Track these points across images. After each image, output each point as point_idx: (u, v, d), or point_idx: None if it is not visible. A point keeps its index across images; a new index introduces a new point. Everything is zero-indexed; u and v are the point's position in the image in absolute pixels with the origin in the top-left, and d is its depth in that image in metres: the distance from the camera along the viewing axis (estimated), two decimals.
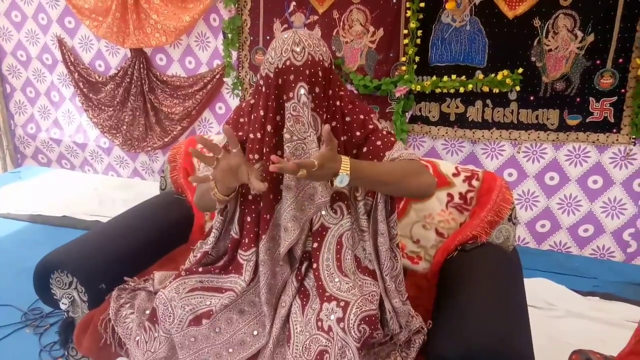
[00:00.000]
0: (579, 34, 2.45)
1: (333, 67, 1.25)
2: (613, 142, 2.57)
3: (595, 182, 2.67)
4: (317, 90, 1.20)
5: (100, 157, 3.80)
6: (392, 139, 1.28)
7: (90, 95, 3.54)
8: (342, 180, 1.07)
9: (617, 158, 2.59)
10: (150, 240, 1.54)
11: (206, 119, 3.39)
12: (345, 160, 1.07)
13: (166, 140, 3.43)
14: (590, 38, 2.44)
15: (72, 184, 3.64)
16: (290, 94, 1.18)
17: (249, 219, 1.27)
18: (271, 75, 1.19)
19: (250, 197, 1.27)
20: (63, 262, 1.34)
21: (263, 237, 1.24)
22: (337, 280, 1.21)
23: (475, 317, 1.09)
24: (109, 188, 3.52)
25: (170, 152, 1.76)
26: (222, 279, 1.28)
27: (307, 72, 1.17)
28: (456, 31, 2.63)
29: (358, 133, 1.27)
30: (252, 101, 1.31)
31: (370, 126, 1.28)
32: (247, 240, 1.27)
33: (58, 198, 3.36)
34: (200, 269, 1.29)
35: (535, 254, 2.78)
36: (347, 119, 1.28)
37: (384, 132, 1.28)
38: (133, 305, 1.33)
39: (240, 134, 1.31)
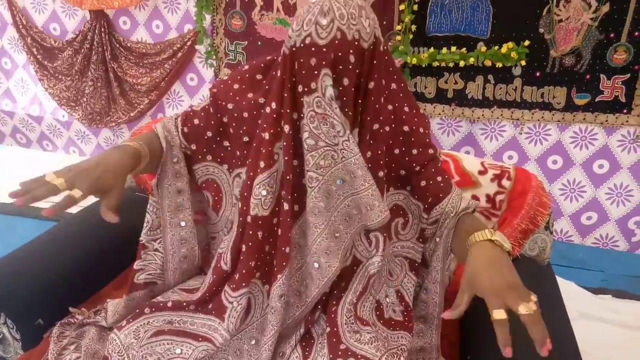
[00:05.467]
0: (593, 3, 2.21)
1: (382, 48, 0.93)
2: (622, 124, 2.36)
3: (601, 166, 2.47)
4: (345, 82, 0.88)
5: (59, 132, 3.45)
6: (446, 175, 1.04)
7: (45, 62, 3.16)
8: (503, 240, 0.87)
9: (625, 141, 2.39)
10: (103, 254, 1.22)
11: (176, 92, 3.07)
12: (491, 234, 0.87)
13: (132, 114, 3.09)
14: (605, 8, 2.20)
15: (25, 164, 3.29)
16: (313, 85, 0.87)
17: (244, 247, 0.97)
18: (287, 54, 0.89)
19: (249, 218, 0.96)
20: None
21: (279, 277, 0.94)
22: (356, 330, 0.94)
23: None
24: None
25: (130, 137, 1.46)
26: (198, 319, 0.99)
27: (333, 55, 0.85)
28: None
29: (415, 152, 1.01)
30: (256, 77, 1.02)
31: (431, 151, 1.02)
32: (237, 277, 0.97)
33: (8, 181, 3.00)
34: (170, 304, 1.00)
35: None
36: (405, 128, 1.00)
37: (441, 164, 1.04)
38: (80, 346, 1.04)
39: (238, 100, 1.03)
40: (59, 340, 1.05)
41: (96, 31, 2.95)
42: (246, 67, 1.04)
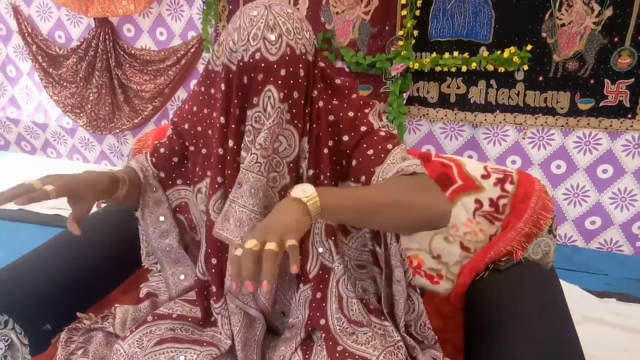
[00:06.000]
0: (596, 7, 2.20)
1: (316, 54, 0.94)
2: (627, 129, 2.35)
3: (605, 171, 2.46)
4: (295, 95, 0.89)
5: (63, 139, 3.46)
6: (388, 145, 0.93)
7: (50, 70, 3.18)
8: (304, 190, 0.75)
9: (630, 146, 2.37)
10: (110, 259, 1.24)
11: (180, 98, 3.07)
12: (305, 189, 0.76)
13: (136, 121, 3.11)
14: (608, 12, 2.19)
15: (30, 170, 3.30)
16: (255, 99, 0.88)
17: (214, 260, 0.99)
18: (233, 68, 0.89)
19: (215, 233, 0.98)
20: None
21: (225, 280, 0.98)
22: (352, 332, 0.94)
23: None
24: None
25: (136, 144, 1.46)
26: (200, 330, 1.01)
27: (284, 71, 0.86)
28: (460, 2, 2.35)
29: (346, 137, 0.96)
30: (210, 92, 1.00)
31: (363, 128, 0.96)
32: (214, 289, 1.00)
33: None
34: (174, 315, 1.01)
35: None
36: (331, 117, 0.96)
37: (381, 135, 0.95)
38: (87, 351, 1.04)
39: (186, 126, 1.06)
40: (66, 346, 1.06)
41: (100, 39, 2.97)
42: (195, 87, 1.06)
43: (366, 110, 0.97)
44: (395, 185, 0.87)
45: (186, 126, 1.07)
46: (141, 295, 1.16)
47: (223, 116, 0.93)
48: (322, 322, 0.96)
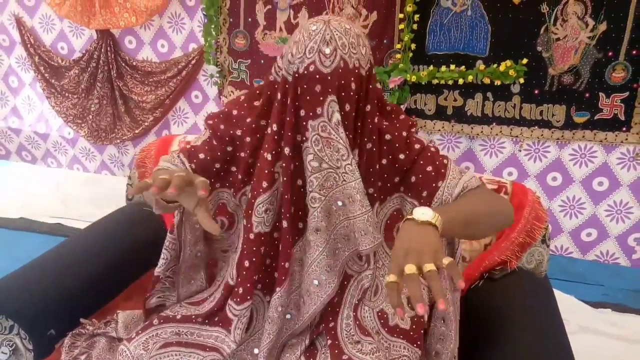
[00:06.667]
0: (590, 22, 2.25)
1: (374, 72, 0.98)
2: (622, 142, 2.38)
3: (600, 183, 2.49)
4: (347, 108, 0.92)
5: (64, 149, 3.49)
6: (444, 160, 1.03)
7: (53, 81, 3.22)
8: (423, 212, 0.81)
9: (625, 159, 2.41)
10: (113, 266, 1.25)
11: (181, 109, 3.11)
12: (424, 212, 0.81)
13: (137, 131, 3.13)
14: (603, 27, 2.24)
15: (32, 180, 3.32)
16: (318, 110, 0.91)
17: (247, 263, 1.00)
18: (289, 79, 0.92)
19: (252, 235, 1.00)
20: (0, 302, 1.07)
21: (278, 289, 0.97)
22: (357, 340, 0.96)
23: None
24: (74, 184, 3.20)
25: (139, 154, 1.48)
26: (205, 331, 1.02)
27: (337, 83, 0.89)
28: (456, 16, 2.39)
29: (402, 156, 1.02)
30: (256, 101, 1.02)
31: (417, 146, 1.03)
32: (241, 291, 1.00)
33: (15, 196, 3.04)
34: (179, 317, 1.03)
35: None
36: (388, 137, 1.02)
37: (432, 150, 1.03)
38: (90, 356, 1.07)
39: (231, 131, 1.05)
40: (70, 351, 1.08)
41: (102, 50, 3.01)
42: (242, 97, 1.09)
43: (413, 130, 1.05)
44: (477, 198, 0.98)
45: (239, 132, 1.05)
46: (148, 307, 1.14)
47: (276, 124, 0.96)
48: (332, 324, 0.99)
